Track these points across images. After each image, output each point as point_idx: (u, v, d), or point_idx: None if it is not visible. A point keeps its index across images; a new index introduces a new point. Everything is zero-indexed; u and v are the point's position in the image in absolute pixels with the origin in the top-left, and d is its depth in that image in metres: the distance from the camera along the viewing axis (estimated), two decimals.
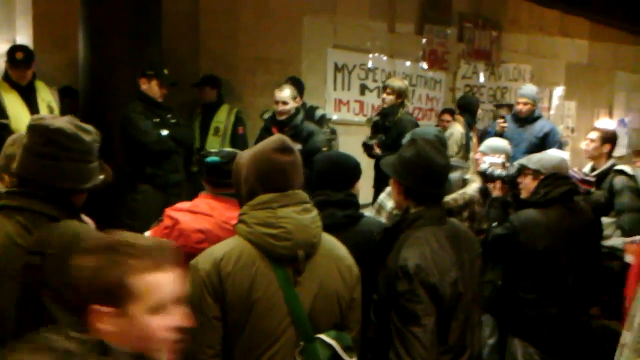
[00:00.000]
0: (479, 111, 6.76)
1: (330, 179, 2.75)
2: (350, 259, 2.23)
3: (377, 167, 5.13)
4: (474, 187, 3.72)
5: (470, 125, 6.30)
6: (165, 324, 1.46)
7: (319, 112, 5.85)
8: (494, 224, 3.52)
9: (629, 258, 4.15)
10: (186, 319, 1.50)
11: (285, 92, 5.24)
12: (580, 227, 3.48)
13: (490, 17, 9.01)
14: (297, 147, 2.23)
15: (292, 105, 5.24)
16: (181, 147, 5.00)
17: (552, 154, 3.84)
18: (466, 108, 6.45)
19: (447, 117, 7.22)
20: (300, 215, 2.07)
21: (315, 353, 2.04)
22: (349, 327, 2.18)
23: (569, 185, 3.56)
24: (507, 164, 3.99)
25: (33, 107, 4.90)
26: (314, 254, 2.09)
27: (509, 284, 3.50)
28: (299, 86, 5.70)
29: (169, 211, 2.61)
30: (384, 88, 5.68)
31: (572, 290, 3.43)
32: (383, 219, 3.36)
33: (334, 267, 2.14)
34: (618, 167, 4.70)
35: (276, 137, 2.19)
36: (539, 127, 6.23)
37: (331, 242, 2.22)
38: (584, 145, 4.97)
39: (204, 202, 2.61)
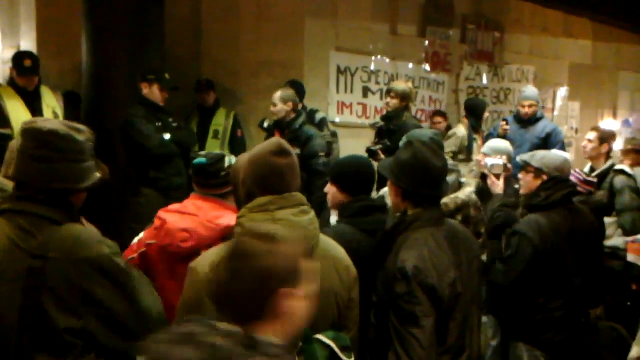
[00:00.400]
0: (485, 114, 6.76)
1: (365, 183, 2.84)
2: (347, 260, 2.25)
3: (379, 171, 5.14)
4: (467, 191, 3.72)
5: (475, 128, 6.29)
6: (309, 308, 1.59)
7: (319, 115, 5.87)
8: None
9: (631, 257, 4.16)
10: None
11: (276, 95, 5.37)
12: (582, 228, 3.48)
13: (493, 19, 9.00)
14: (296, 151, 2.26)
15: (281, 107, 5.32)
16: (183, 151, 5.03)
17: (556, 154, 3.84)
18: (472, 111, 6.45)
19: (438, 119, 7.18)
20: (298, 217, 2.09)
21: (314, 354, 2.05)
22: (347, 327, 2.20)
23: (570, 187, 3.56)
24: (510, 165, 4.00)
25: (37, 114, 4.89)
26: (312, 255, 2.11)
27: (514, 288, 3.47)
28: (299, 90, 5.72)
29: (160, 212, 2.67)
30: (388, 92, 5.67)
31: (579, 292, 3.43)
32: None
33: (331, 268, 2.16)
34: (618, 167, 4.71)
35: (274, 140, 2.21)
36: (541, 128, 6.24)
37: (329, 244, 2.23)
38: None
39: (191, 202, 2.67)
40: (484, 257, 3.71)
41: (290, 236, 1.63)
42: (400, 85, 5.71)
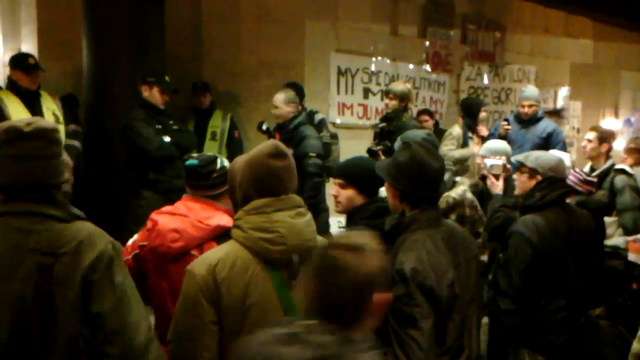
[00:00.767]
0: (483, 114, 6.73)
1: (379, 185, 2.81)
2: None
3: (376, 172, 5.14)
4: (459, 190, 3.73)
5: (470, 127, 6.28)
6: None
7: (318, 117, 5.86)
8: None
9: (631, 257, 4.16)
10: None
11: (277, 97, 5.37)
12: (578, 227, 3.47)
13: (494, 19, 8.99)
14: (290, 151, 2.27)
15: (283, 109, 5.31)
16: (183, 153, 5.03)
17: (551, 154, 3.84)
18: (467, 110, 6.44)
19: (425, 117, 7.16)
20: (295, 219, 2.10)
21: None
22: None
23: (564, 188, 3.56)
24: (509, 166, 4.00)
25: (38, 116, 4.92)
26: (309, 257, 2.11)
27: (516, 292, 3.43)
28: (298, 91, 5.73)
29: (152, 214, 2.68)
30: (386, 93, 5.65)
31: (579, 291, 3.42)
32: None
33: None
34: (618, 166, 4.71)
35: (270, 142, 2.23)
36: (542, 128, 6.24)
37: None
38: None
39: (183, 204, 2.68)
40: (484, 258, 3.72)
41: (373, 243, 1.71)
42: (399, 85, 5.70)
